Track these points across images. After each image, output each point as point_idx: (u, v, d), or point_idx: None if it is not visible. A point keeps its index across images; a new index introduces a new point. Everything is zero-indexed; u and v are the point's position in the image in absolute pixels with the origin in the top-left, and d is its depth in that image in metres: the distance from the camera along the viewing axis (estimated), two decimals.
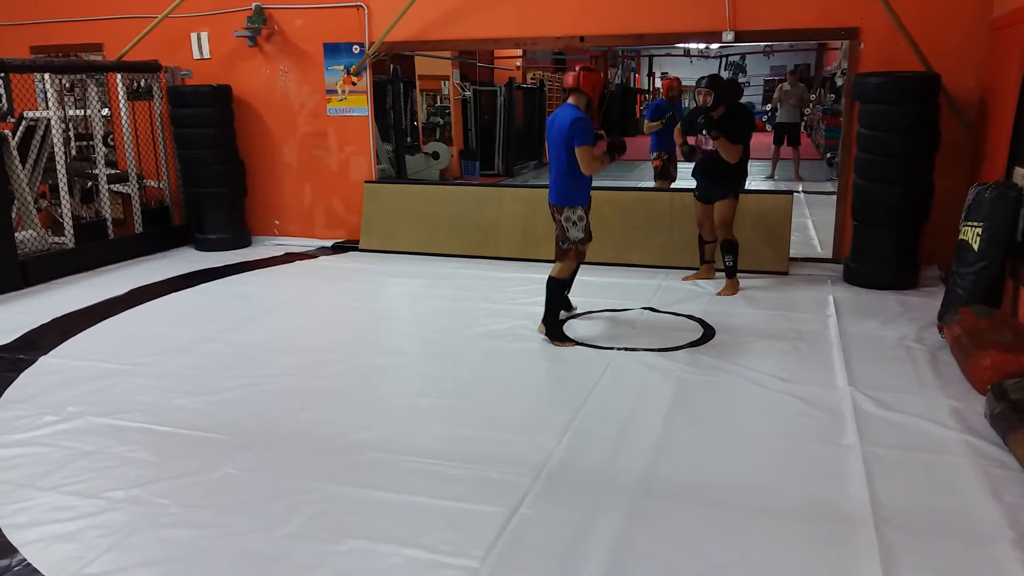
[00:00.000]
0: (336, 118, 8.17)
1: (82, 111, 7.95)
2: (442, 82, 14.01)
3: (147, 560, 2.81)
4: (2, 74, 6.84)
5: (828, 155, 13.92)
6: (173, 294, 6.49)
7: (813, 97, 17.18)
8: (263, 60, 8.23)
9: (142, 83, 8.17)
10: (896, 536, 2.89)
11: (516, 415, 4.05)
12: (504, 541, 2.88)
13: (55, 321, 5.68)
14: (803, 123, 14.74)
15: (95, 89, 7.67)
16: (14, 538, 2.94)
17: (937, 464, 3.44)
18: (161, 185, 8.53)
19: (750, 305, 5.90)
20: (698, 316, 5.59)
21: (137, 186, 8.07)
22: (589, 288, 6.16)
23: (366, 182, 8.16)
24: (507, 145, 14.11)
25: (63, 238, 7.31)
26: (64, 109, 7.63)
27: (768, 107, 18.55)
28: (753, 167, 13.71)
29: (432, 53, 11.64)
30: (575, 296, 5.77)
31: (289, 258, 7.83)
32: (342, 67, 7.98)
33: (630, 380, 4.46)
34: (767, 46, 21.08)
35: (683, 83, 9.77)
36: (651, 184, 9.02)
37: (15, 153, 6.98)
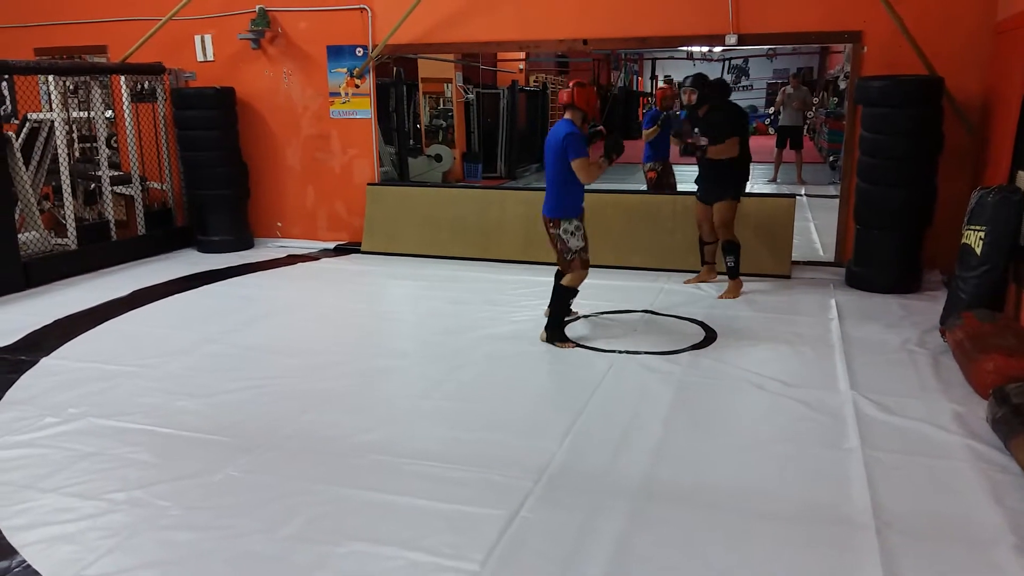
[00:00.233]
0: (339, 120, 8.18)
1: (86, 113, 7.96)
2: (445, 85, 14.01)
3: (148, 562, 2.81)
4: (6, 76, 6.86)
5: (831, 158, 13.91)
6: (175, 296, 6.50)
7: (816, 100, 17.19)
8: (267, 63, 8.25)
9: (146, 85, 8.19)
10: (898, 540, 2.88)
11: (518, 418, 4.05)
12: (505, 544, 2.88)
13: (57, 322, 5.69)
14: (806, 126, 14.76)
15: (99, 91, 7.69)
16: (14, 540, 2.94)
17: (939, 468, 3.43)
18: (164, 187, 8.54)
19: (752, 308, 5.90)
20: (700, 319, 5.58)
21: (140, 188, 8.08)
22: (591, 291, 6.14)
23: (369, 184, 8.16)
24: (510, 148, 14.12)
25: (66, 240, 7.32)
26: (68, 111, 7.65)
27: (771, 110, 18.54)
28: (756, 170, 13.71)
29: (435, 56, 11.65)
30: (578, 298, 5.77)
31: (291, 260, 7.84)
32: (345, 70, 7.99)
33: (632, 383, 4.46)
34: (770, 49, 21.08)
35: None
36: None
37: (19, 155, 7.00)
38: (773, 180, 12.98)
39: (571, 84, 5.05)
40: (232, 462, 3.53)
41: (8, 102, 7.05)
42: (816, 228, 8.72)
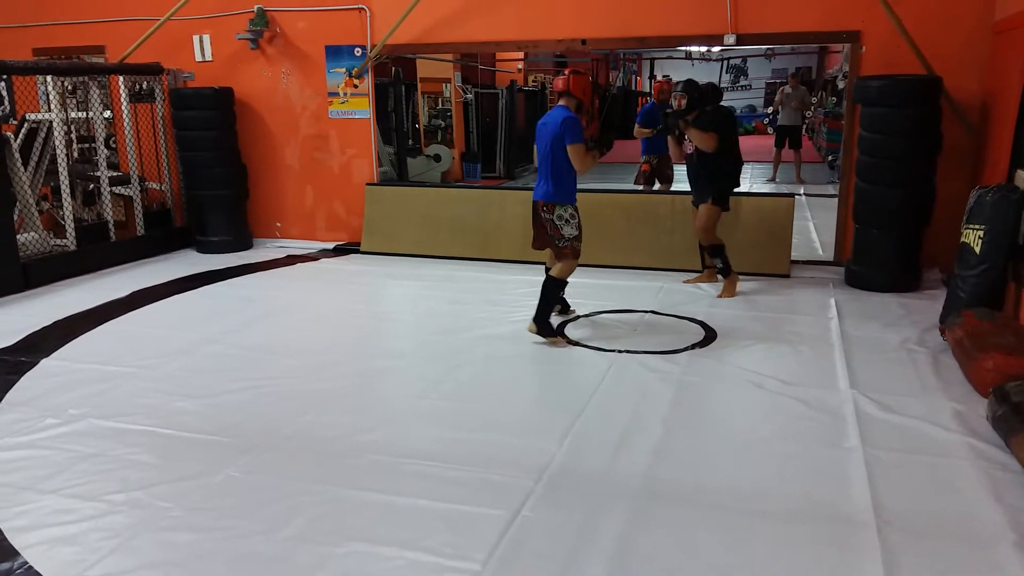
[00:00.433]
0: (338, 120, 8.17)
1: (84, 113, 7.96)
2: (444, 85, 14.02)
3: (149, 563, 2.81)
4: (4, 76, 6.85)
5: (829, 158, 13.92)
6: (175, 296, 6.49)
7: (814, 100, 17.19)
8: (265, 62, 8.24)
9: (144, 85, 8.19)
10: (898, 539, 2.88)
11: (517, 418, 4.05)
12: (506, 544, 2.88)
13: (57, 323, 5.68)
14: (804, 126, 14.75)
15: (97, 91, 7.68)
16: (16, 541, 2.94)
17: (939, 467, 3.43)
18: (163, 187, 8.54)
19: (752, 308, 5.90)
20: (700, 319, 5.58)
21: (139, 188, 8.07)
22: (590, 290, 6.17)
23: (367, 184, 8.16)
24: (508, 147, 14.12)
25: (65, 240, 7.31)
26: (66, 111, 7.65)
27: (769, 110, 18.56)
28: (755, 170, 13.81)
29: (434, 56, 11.65)
30: (576, 298, 5.78)
31: (290, 260, 7.83)
32: (344, 69, 7.99)
33: (631, 383, 4.46)
34: (768, 49, 21.11)
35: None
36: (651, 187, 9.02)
37: (17, 155, 6.99)
38: (772, 180, 13.00)
39: (567, 72, 5.09)
40: (232, 463, 3.53)
41: (6, 102, 7.03)
42: (815, 227, 8.72)
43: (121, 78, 7.85)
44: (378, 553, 2.84)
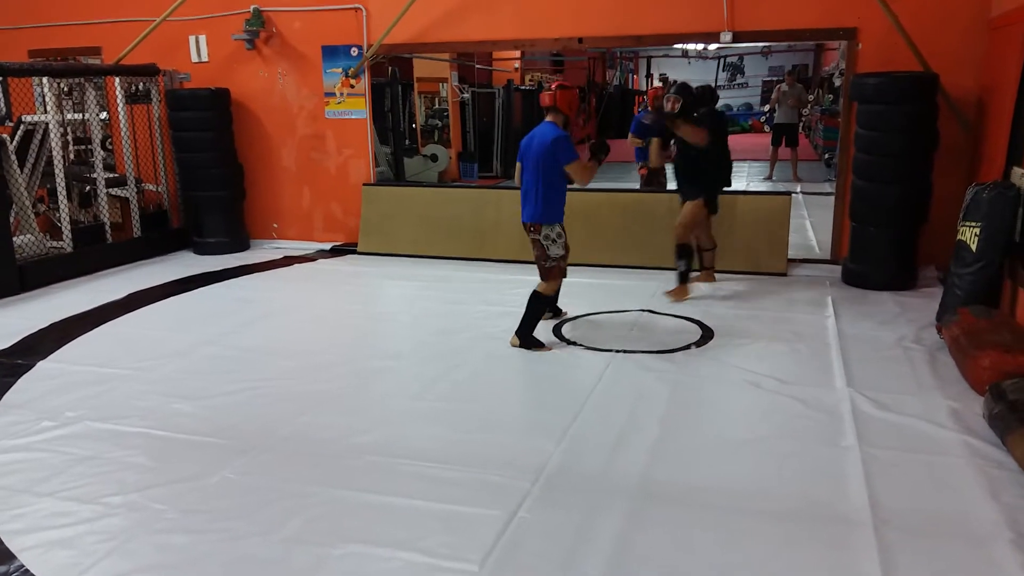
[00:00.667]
0: (334, 121, 8.16)
1: (80, 115, 7.94)
2: (440, 84, 14.01)
3: (145, 565, 2.81)
4: (0, 78, 6.84)
5: (826, 156, 13.93)
6: (171, 298, 6.49)
7: (811, 98, 17.20)
8: (261, 63, 8.23)
9: (140, 87, 8.17)
10: (895, 537, 2.88)
11: (514, 418, 4.05)
12: (503, 545, 2.88)
13: (53, 326, 5.68)
14: (801, 124, 14.76)
15: (93, 93, 7.67)
16: (12, 544, 2.94)
17: (936, 465, 3.43)
18: (159, 189, 8.52)
19: (748, 306, 5.90)
20: (696, 318, 5.58)
21: (135, 190, 8.06)
22: (586, 290, 6.16)
23: (364, 185, 8.15)
24: (505, 147, 14.10)
25: (61, 242, 7.30)
26: (62, 113, 7.63)
27: (766, 108, 18.56)
28: (752, 168, 13.82)
29: (430, 55, 11.64)
30: (573, 298, 5.77)
31: (287, 261, 7.82)
32: (340, 69, 7.98)
33: (628, 382, 4.46)
34: (765, 47, 21.12)
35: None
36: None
37: (13, 157, 6.97)
38: (769, 178, 13.00)
39: (553, 86, 5.01)
40: (229, 464, 3.52)
41: (2, 104, 7.03)
42: (812, 225, 8.72)
43: (117, 79, 7.84)
44: (375, 554, 2.84)
